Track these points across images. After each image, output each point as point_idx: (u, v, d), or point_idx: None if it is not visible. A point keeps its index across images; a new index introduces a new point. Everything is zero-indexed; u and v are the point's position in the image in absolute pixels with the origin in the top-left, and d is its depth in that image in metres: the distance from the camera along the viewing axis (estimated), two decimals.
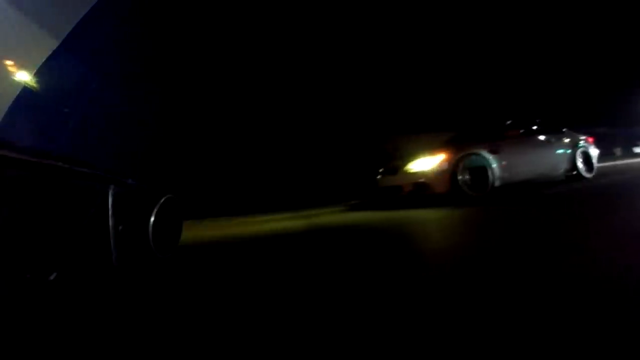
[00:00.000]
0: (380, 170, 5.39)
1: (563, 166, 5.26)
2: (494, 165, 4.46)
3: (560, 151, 5.30)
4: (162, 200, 2.40)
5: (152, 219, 2.26)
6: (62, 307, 1.53)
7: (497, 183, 4.46)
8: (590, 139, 5.79)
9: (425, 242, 2.33)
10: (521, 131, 5.15)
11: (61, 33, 1.96)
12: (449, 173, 4.30)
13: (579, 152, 5.37)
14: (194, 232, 4.35)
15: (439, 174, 4.34)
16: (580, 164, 5.35)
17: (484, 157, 4.46)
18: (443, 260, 1.66)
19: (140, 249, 2.19)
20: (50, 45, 1.92)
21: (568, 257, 1.39)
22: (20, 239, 1.46)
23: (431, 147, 4.77)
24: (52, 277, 1.55)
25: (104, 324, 1.29)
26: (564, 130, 5.65)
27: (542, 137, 5.28)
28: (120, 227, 1.95)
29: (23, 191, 1.50)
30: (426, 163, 4.50)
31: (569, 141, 5.45)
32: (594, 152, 5.67)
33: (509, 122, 5.28)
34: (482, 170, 4.42)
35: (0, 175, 1.37)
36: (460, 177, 4.29)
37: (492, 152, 4.54)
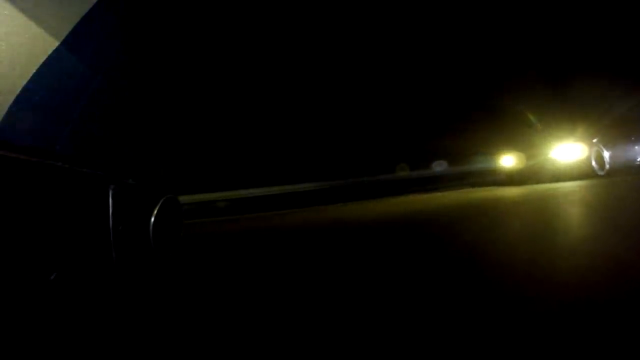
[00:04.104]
0: (507, 156, 6.83)
1: None
2: (606, 155, 6.12)
3: (638, 146, 7.05)
4: (162, 200, 2.39)
5: (153, 219, 2.26)
6: (63, 307, 1.52)
7: (607, 167, 6.05)
8: None
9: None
10: (616, 129, 6.66)
11: (61, 33, 1.96)
12: (588, 159, 5.90)
13: None
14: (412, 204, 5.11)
15: (583, 160, 5.92)
16: None
17: (601, 148, 6.09)
18: None
19: (141, 249, 2.19)
20: (50, 45, 1.91)
21: None
22: (20, 239, 1.46)
23: (551, 137, 6.36)
24: (52, 277, 1.55)
25: (104, 324, 1.29)
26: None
27: (628, 135, 6.97)
28: (120, 227, 1.95)
29: (23, 191, 1.50)
30: (570, 152, 6.04)
31: None
32: None
33: (606, 122, 6.69)
34: (601, 157, 6.06)
35: (0, 175, 1.37)
36: (593, 163, 5.87)
37: (604, 144, 6.17)
